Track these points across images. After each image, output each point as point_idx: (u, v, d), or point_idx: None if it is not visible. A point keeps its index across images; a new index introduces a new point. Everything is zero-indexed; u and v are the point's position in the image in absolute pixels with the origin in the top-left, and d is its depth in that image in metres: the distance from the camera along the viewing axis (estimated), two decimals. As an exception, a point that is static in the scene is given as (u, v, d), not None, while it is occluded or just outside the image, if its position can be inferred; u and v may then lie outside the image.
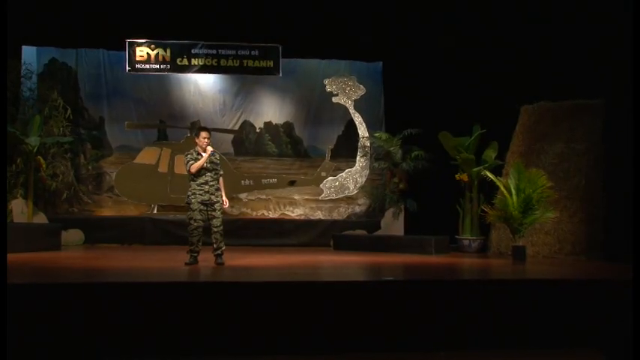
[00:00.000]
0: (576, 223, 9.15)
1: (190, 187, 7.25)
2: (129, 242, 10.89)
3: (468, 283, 5.95)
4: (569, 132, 9.68)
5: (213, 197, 7.22)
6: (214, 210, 7.22)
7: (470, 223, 10.30)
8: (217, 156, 7.44)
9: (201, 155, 7.23)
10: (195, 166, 7.17)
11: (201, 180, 7.21)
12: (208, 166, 7.23)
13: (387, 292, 5.26)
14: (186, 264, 7.12)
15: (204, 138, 7.28)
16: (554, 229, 9.21)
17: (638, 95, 5.56)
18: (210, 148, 7.23)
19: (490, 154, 10.30)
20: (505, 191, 8.57)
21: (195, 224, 7.18)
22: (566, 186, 9.31)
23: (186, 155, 7.30)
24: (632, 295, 4.64)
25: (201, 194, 7.19)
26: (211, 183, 7.23)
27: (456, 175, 10.41)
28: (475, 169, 10.12)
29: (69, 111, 11.14)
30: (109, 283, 5.45)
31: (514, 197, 8.44)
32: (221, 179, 7.42)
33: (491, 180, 9.06)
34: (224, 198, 7.38)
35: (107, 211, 11.68)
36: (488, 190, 9.59)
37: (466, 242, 10.26)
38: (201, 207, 7.19)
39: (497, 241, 9.94)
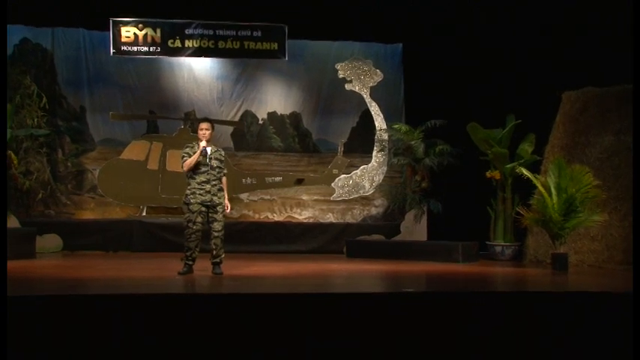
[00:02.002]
0: (628, 227, 9.07)
1: (189, 185, 7.29)
2: (114, 249, 10.90)
3: (501, 296, 5.91)
4: (620, 122, 9.60)
5: (215, 198, 7.25)
6: (216, 212, 7.25)
7: (503, 227, 10.27)
8: (223, 153, 7.47)
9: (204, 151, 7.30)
10: (186, 163, 7.24)
11: (202, 178, 7.24)
12: (211, 163, 7.27)
13: (408, 305, 5.24)
14: (179, 273, 7.13)
15: (201, 130, 7.33)
16: (602, 234, 9.15)
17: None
18: (202, 143, 7.26)
19: (526, 148, 10.24)
20: (544, 191, 8.53)
21: (195, 228, 7.20)
22: (616, 184, 9.25)
23: (185, 149, 7.36)
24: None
25: (201, 194, 7.22)
26: (213, 182, 7.26)
27: (487, 173, 10.37)
28: (509, 166, 10.07)
29: (44, 99, 11.18)
30: (91, 296, 5.46)
31: (554, 197, 8.39)
32: (224, 179, 7.46)
33: (528, 178, 9.01)
34: (226, 201, 7.40)
35: (89, 214, 11.72)
36: (524, 189, 9.55)
37: (498, 249, 10.23)
38: (202, 208, 7.22)
39: (534, 247, 9.90)
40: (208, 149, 7.29)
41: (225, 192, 7.43)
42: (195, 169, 7.24)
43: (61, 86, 11.84)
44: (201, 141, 7.25)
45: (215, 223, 7.26)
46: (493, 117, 10.34)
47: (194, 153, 7.24)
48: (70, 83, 11.89)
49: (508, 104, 10.26)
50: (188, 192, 7.26)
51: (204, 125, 7.36)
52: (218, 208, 7.25)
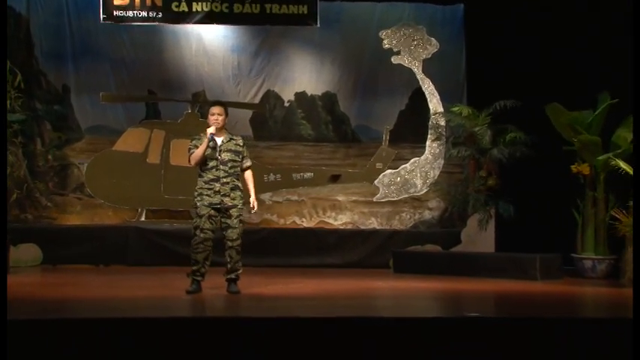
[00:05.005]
0: None
1: (197, 184, 7.37)
2: (105, 262, 11.01)
3: (592, 323, 5.86)
4: None
5: (227, 200, 7.30)
6: (229, 217, 7.31)
7: (593, 235, 10.17)
8: (240, 142, 7.50)
9: (212, 141, 7.34)
10: (193, 157, 7.37)
11: (210, 176, 7.32)
12: (222, 156, 7.31)
13: (471, 333, 5.21)
14: (187, 292, 7.19)
15: (212, 114, 7.43)
16: None
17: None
18: (210, 130, 7.32)
19: (624, 134, 10.11)
20: (646, 189, 8.42)
21: (202, 236, 7.26)
22: None
23: (192, 140, 7.45)
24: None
25: (209, 195, 7.29)
26: (224, 180, 7.31)
27: (573, 167, 10.27)
28: (601, 158, 9.96)
29: (19, 77, 11.30)
30: (78, 320, 5.50)
31: (660, 198, 8.28)
32: (249, 173, 7.52)
33: (626, 173, 8.90)
34: (253, 198, 7.47)
35: (75, 219, 11.86)
36: (622, 187, 9.46)
37: (588, 264, 10.13)
38: (211, 212, 7.28)
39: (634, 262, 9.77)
40: (219, 139, 7.33)
41: (252, 187, 7.50)
42: (203, 164, 7.33)
43: (39, 60, 11.98)
44: (209, 127, 7.32)
45: (229, 231, 7.29)
46: (580, 96, 10.23)
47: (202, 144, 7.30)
48: (51, 57, 12.03)
49: (600, 79, 10.16)
50: (196, 193, 7.36)
51: (215, 109, 7.44)
52: (232, 211, 7.29)
